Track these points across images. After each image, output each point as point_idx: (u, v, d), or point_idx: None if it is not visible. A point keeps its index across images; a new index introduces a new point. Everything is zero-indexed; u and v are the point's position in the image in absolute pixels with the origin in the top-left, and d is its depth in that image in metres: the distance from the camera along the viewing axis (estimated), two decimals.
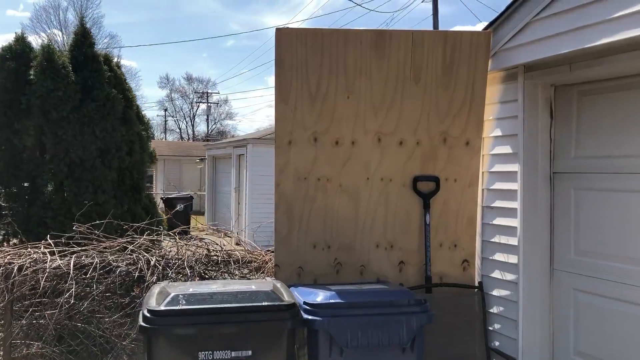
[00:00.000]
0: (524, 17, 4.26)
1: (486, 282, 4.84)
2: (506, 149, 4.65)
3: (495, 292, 4.76)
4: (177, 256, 4.80)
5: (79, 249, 4.80)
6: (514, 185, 4.56)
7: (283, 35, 4.60)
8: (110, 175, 7.29)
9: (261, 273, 4.92)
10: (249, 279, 4.86)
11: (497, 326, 4.74)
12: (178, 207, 19.25)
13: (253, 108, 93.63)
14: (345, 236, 4.80)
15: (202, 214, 22.21)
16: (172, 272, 4.55)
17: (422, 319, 3.87)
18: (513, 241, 4.57)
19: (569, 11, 3.88)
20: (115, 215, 6.54)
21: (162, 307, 3.38)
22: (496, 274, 4.75)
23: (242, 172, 17.16)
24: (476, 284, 4.92)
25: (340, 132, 4.71)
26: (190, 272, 4.56)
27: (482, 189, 4.91)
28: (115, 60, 8.13)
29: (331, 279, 4.76)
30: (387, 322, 3.81)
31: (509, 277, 4.60)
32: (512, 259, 4.57)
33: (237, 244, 16.76)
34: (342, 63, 4.62)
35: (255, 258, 5.13)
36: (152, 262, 4.57)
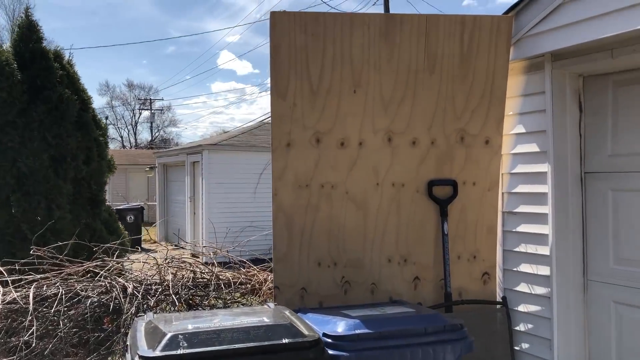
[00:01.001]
0: None
1: (510, 297, 4.32)
2: (532, 147, 4.15)
3: (521, 308, 4.25)
4: (156, 280, 4.07)
5: (39, 276, 4.00)
6: (543, 188, 4.06)
7: (279, 20, 3.96)
8: (66, 187, 6.41)
9: (255, 296, 4.24)
10: (245, 304, 4.17)
11: (525, 346, 4.23)
12: (128, 219, 18.21)
13: (197, 115, 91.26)
14: (353, 251, 4.19)
15: (153, 224, 21.15)
16: (153, 301, 3.82)
17: (461, 348, 3.31)
18: (543, 250, 4.07)
19: None
20: (73, 233, 5.71)
21: (159, 353, 2.68)
22: (522, 288, 4.24)
23: (197, 180, 16.31)
24: (498, 298, 4.40)
25: (346, 131, 4.10)
26: (176, 299, 3.84)
27: (502, 193, 4.40)
28: (67, 57, 7.21)
29: (339, 300, 4.14)
30: (424, 354, 3.23)
31: (539, 290, 4.10)
32: (543, 270, 4.07)
33: (193, 255, 15.93)
34: (347, 52, 4.02)
35: (249, 279, 4.45)
36: (130, 289, 3.83)
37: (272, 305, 3.64)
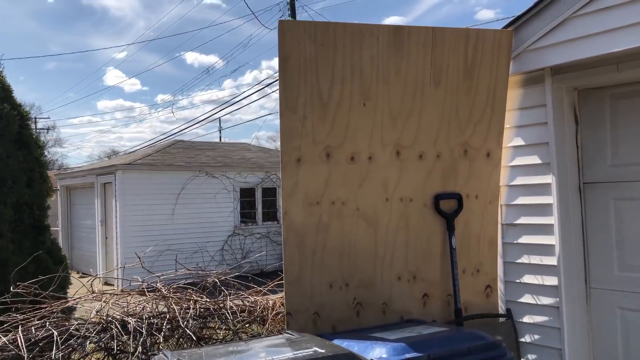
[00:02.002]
0: (560, 13, 3.86)
1: (513, 309, 4.34)
2: (532, 160, 4.21)
3: (526, 319, 4.27)
4: (155, 313, 3.64)
5: (21, 317, 3.43)
6: (546, 199, 4.13)
7: (288, 29, 3.75)
8: (7, 213, 5.67)
9: (260, 324, 3.93)
10: (255, 334, 3.85)
11: (532, 357, 4.25)
12: None
13: (82, 135, 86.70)
14: (364, 270, 4.03)
15: None
16: (162, 336, 3.40)
17: None
18: (548, 260, 4.12)
19: (625, 5, 3.53)
20: (18, 264, 5.07)
21: None
22: (527, 299, 4.27)
23: (109, 202, 15.32)
24: (501, 311, 4.40)
25: (356, 145, 3.95)
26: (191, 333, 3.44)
27: (500, 205, 4.42)
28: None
29: (352, 324, 3.95)
30: None
31: (546, 301, 4.14)
32: (549, 280, 4.12)
33: (106, 284, 14.89)
34: (357, 64, 3.88)
35: (252, 305, 4.13)
36: (131, 325, 3.38)
37: (296, 333, 3.38)
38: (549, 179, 4.11)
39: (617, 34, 3.59)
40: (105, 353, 3.28)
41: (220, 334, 3.80)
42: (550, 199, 4.10)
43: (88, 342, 3.26)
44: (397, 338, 3.28)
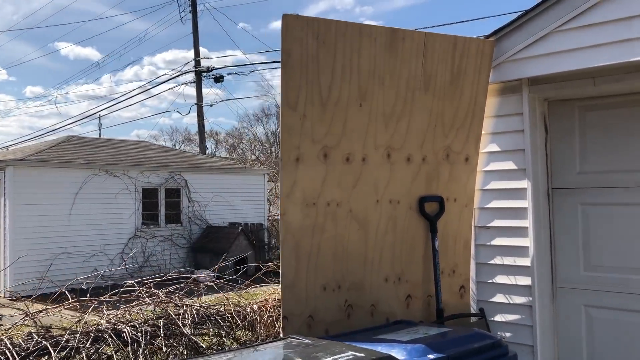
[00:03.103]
0: (543, 27, 4.08)
1: (485, 308, 4.51)
2: (508, 165, 4.41)
3: (498, 318, 4.46)
4: (146, 320, 3.33)
5: None
6: (520, 203, 4.34)
7: (291, 23, 3.64)
8: None
9: (246, 329, 3.75)
10: (251, 340, 3.66)
11: None
12: None
13: None
14: (355, 273, 4.00)
15: None
16: (162, 344, 3.13)
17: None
18: (522, 262, 4.33)
19: (609, 23, 3.81)
20: None
21: None
22: (499, 298, 4.45)
23: None
24: (472, 310, 4.56)
25: (352, 146, 3.92)
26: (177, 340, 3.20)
27: (474, 208, 4.58)
28: None
29: (343, 326, 3.90)
30: None
31: (519, 300, 4.35)
32: (522, 280, 4.33)
33: None
34: (355, 63, 3.85)
35: (239, 311, 3.92)
36: (127, 334, 3.07)
37: (305, 338, 3.28)
38: (524, 184, 4.32)
39: (598, 50, 3.86)
40: None
41: (213, 340, 3.58)
42: (525, 203, 4.32)
43: (84, 353, 2.93)
44: (410, 340, 3.29)
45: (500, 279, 4.45)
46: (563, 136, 4.40)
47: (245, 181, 17.87)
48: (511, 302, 4.40)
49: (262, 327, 3.86)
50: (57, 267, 13.56)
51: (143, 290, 3.74)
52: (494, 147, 4.49)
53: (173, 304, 3.65)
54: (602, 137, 4.24)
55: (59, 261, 13.67)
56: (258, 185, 18.25)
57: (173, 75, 26.18)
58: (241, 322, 3.83)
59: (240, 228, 15.90)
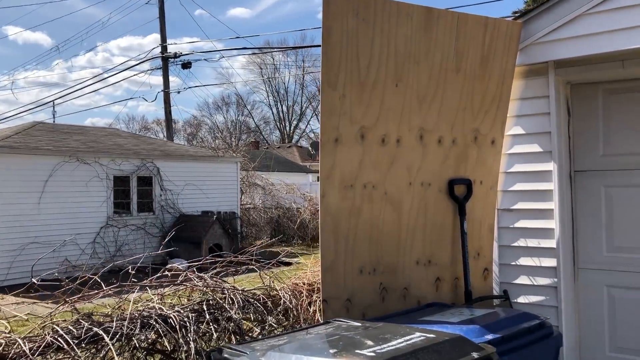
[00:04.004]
0: (573, 10, 4.09)
1: (508, 290, 4.53)
2: (533, 148, 4.43)
3: (521, 299, 4.49)
4: (187, 306, 3.19)
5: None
6: (546, 185, 4.37)
7: (332, 1, 3.54)
8: None
9: (280, 315, 3.65)
10: (292, 326, 3.56)
11: None
12: None
13: None
14: (389, 255, 3.95)
15: None
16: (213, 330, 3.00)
17: (558, 341, 3.39)
18: (546, 243, 4.37)
19: None
20: None
21: None
22: (522, 280, 4.48)
23: None
24: (494, 292, 4.57)
25: (387, 127, 3.85)
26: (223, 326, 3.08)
27: (497, 191, 4.59)
28: None
29: (379, 310, 3.86)
30: (541, 350, 3.22)
31: (543, 281, 4.38)
32: (546, 262, 4.37)
33: None
34: (392, 42, 3.78)
35: (274, 295, 3.81)
36: (175, 319, 2.93)
37: (353, 321, 3.21)
38: (549, 166, 4.34)
39: (630, 33, 3.88)
40: (147, 352, 2.81)
41: (252, 325, 3.47)
42: (550, 185, 4.34)
43: (135, 339, 2.78)
44: (460, 321, 3.27)
45: (524, 261, 4.47)
46: (586, 119, 4.44)
47: (217, 169, 17.60)
48: (535, 283, 4.43)
49: (300, 311, 3.77)
50: (27, 257, 13.12)
51: (192, 275, 3.59)
52: (519, 130, 4.49)
53: (220, 289, 3.51)
54: (626, 119, 4.29)
55: (28, 251, 13.22)
56: (230, 173, 18.00)
57: (139, 61, 25.54)
58: (276, 307, 3.73)
59: (214, 216, 15.68)
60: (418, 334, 2.72)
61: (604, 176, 4.38)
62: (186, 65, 23.03)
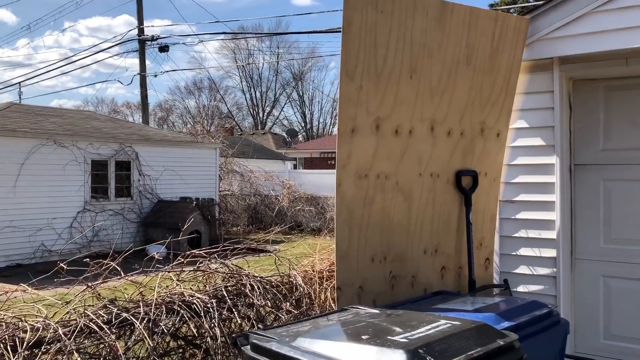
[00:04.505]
0: (581, 7, 4.19)
1: (508, 279, 4.66)
2: (535, 141, 4.54)
3: (521, 288, 4.61)
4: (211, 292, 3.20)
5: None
6: (547, 178, 4.49)
7: None
8: None
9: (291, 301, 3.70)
10: (306, 313, 3.61)
11: None
12: None
13: None
14: (399, 244, 4.02)
15: None
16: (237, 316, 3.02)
17: (566, 329, 3.51)
18: (546, 234, 4.49)
19: None
20: None
21: None
22: (522, 270, 4.61)
23: None
24: (495, 281, 4.69)
25: (401, 118, 3.91)
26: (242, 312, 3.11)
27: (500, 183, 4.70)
28: None
29: (388, 297, 3.93)
30: (551, 337, 3.34)
31: (543, 271, 4.52)
32: (546, 252, 4.50)
33: None
34: (409, 34, 3.83)
35: (288, 281, 3.84)
36: (199, 304, 2.94)
37: (370, 309, 3.27)
38: (552, 159, 4.46)
39: (636, 32, 4.00)
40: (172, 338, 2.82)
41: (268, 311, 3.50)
42: (552, 178, 4.46)
43: (162, 325, 2.79)
44: (475, 309, 3.36)
45: (524, 251, 4.59)
46: (587, 114, 4.56)
47: (197, 155, 17.47)
48: (535, 273, 4.55)
49: (315, 298, 3.82)
50: (2, 242, 12.88)
51: (215, 261, 3.59)
52: (522, 124, 4.59)
53: (239, 275, 3.52)
54: (626, 115, 4.43)
55: (3, 235, 12.98)
56: (210, 159, 17.88)
57: (114, 43, 25.08)
58: (291, 293, 3.77)
59: (194, 203, 15.58)
60: (443, 321, 2.79)
61: (602, 170, 4.51)
62: (163, 49, 22.72)
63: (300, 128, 54.89)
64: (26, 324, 2.53)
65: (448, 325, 2.72)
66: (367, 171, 3.79)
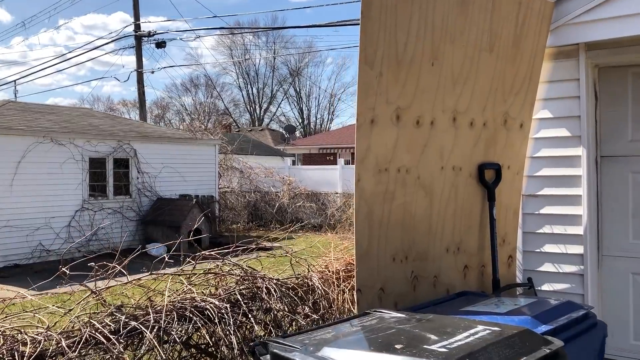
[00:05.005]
0: None
1: (532, 277, 4.43)
2: (560, 132, 4.31)
3: (545, 287, 4.40)
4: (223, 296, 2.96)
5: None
6: (573, 171, 4.26)
7: None
8: None
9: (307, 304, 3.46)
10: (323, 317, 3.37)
11: None
12: None
13: None
14: (420, 242, 3.79)
15: None
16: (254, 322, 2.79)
17: (604, 330, 3.29)
18: (573, 230, 4.27)
19: None
20: None
21: None
22: (546, 267, 4.39)
23: None
24: (518, 280, 4.47)
25: (422, 108, 3.67)
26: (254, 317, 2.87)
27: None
28: None
29: (410, 299, 3.71)
30: (591, 338, 3.13)
31: (569, 269, 4.30)
32: (573, 249, 4.27)
33: None
34: (430, 19, 3.58)
35: (303, 283, 3.61)
36: (213, 311, 2.70)
37: (396, 313, 3.04)
38: (578, 151, 4.23)
39: None
40: (183, 346, 2.58)
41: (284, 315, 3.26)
42: (579, 171, 4.24)
43: (174, 334, 2.55)
44: (507, 312, 3.13)
45: (549, 248, 4.37)
46: (614, 103, 4.33)
47: (196, 152, 17.20)
48: (560, 271, 4.33)
49: (333, 301, 3.58)
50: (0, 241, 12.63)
51: (227, 262, 3.34)
52: (546, 114, 4.37)
53: (253, 277, 3.28)
54: None
55: (0, 235, 12.71)
56: (209, 156, 17.62)
57: (110, 39, 24.77)
58: (307, 296, 3.54)
59: (194, 200, 15.33)
60: (481, 326, 2.57)
61: (631, 162, 4.29)
62: (160, 45, 22.43)
63: (298, 124, 54.60)
64: (26, 336, 2.31)
65: (487, 331, 2.50)
66: (387, 165, 3.55)
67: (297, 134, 48.77)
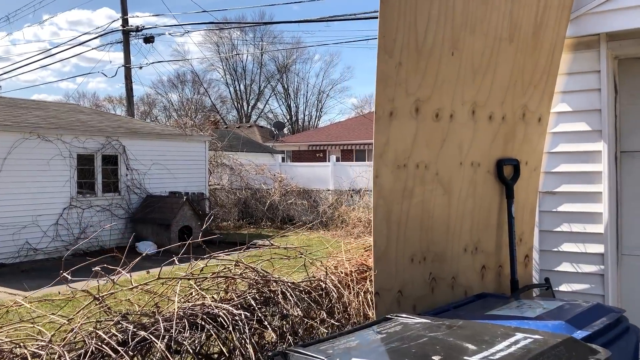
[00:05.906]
0: None
1: (550, 277, 4.26)
2: (580, 126, 4.13)
3: (564, 287, 4.22)
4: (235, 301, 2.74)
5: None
6: (593, 167, 4.09)
7: None
8: None
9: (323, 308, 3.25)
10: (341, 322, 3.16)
11: None
12: None
13: None
14: (438, 242, 3.60)
15: None
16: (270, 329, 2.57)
17: (638, 336, 3.12)
18: (592, 228, 4.10)
19: None
20: None
21: None
22: (565, 267, 4.21)
23: None
24: (534, 280, 4.30)
25: (442, 100, 3.47)
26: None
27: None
28: None
29: (429, 302, 3.51)
30: (626, 342, 2.95)
31: (588, 269, 4.13)
32: (592, 248, 4.11)
33: None
34: (450, 6, 3.39)
35: (318, 286, 3.39)
36: (227, 318, 2.47)
37: (420, 318, 2.84)
38: (598, 146, 4.06)
39: None
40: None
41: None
42: (599, 167, 4.07)
43: (186, 343, 2.33)
44: (537, 316, 2.95)
45: (567, 247, 4.20)
46: (635, 96, 4.17)
47: (186, 148, 16.90)
48: (579, 271, 4.16)
49: (350, 306, 3.37)
50: None
51: (240, 265, 3.11)
52: (564, 107, 4.19)
53: (266, 281, 3.07)
54: None
55: None
56: (199, 152, 17.33)
57: (97, 35, 24.34)
58: (321, 299, 3.33)
59: (184, 197, 15.04)
60: (520, 334, 2.38)
61: None
62: (148, 40, 22.06)
63: (286, 121, 54.25)
64: (25, 350, 2.08)
65: (529, 340, 2.30)
66: (406, 160, 3.35)
67: (286, 130, 48.46)
